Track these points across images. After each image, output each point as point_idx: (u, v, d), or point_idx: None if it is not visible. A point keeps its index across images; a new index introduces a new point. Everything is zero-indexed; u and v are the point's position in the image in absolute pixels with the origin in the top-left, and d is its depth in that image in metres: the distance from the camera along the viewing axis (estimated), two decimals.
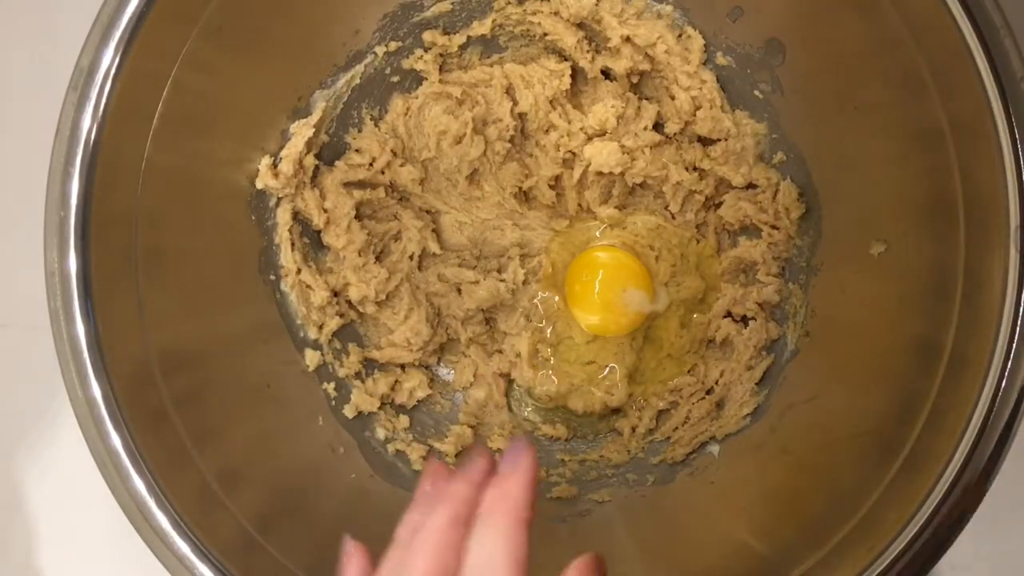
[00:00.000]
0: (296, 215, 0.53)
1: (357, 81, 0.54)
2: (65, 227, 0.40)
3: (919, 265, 0.43)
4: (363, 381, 0.55)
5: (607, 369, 0.57)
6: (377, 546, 0.45)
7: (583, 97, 0.57)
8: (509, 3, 0.54)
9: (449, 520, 0.29)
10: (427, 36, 0.54)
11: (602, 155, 0.55)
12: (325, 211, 0.53)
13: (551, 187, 0.57)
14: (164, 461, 0.41)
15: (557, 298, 0.58)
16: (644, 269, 0.56)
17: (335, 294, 0.54)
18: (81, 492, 0.54)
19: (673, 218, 0.57)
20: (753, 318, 0.54)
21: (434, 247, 0.57)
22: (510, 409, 0.58)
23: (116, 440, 0.40)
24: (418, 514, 0.30)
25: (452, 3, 0.53)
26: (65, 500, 0.57)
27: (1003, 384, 0.38)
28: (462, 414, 0.57)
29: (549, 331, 0.58)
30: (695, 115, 0.55)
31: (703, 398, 0.55)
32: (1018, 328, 0.38)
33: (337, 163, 0.54)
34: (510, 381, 0.58)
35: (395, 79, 0.55)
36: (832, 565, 0.40)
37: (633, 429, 0.56)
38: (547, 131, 0.57)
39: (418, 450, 0.54)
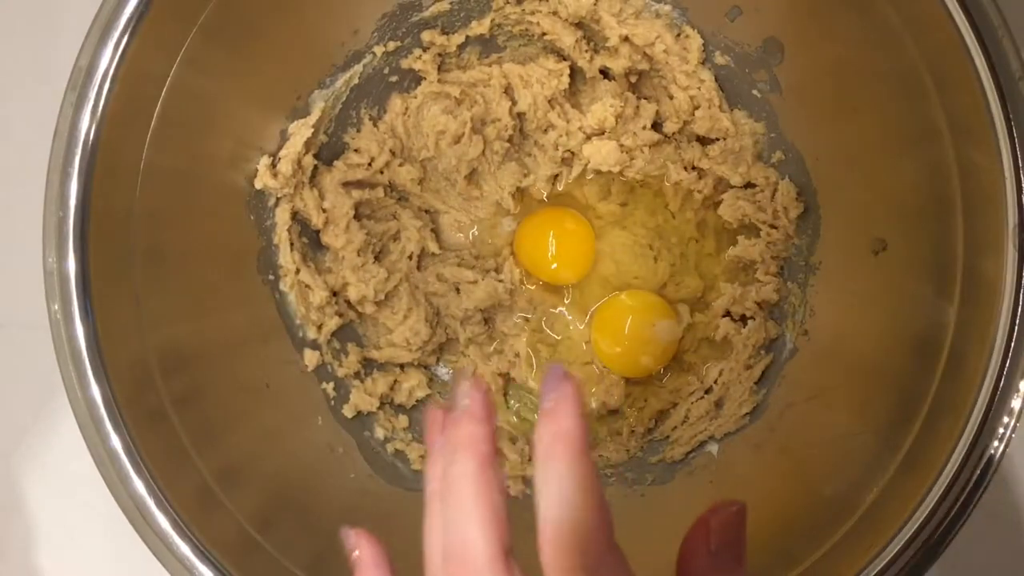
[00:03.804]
0: (295, 215, 0.53)
1: (356, 81, 0.54)
2: (64, 227, 0.40)
3: (917, 264, 0.43)
4: (362, 381, 0.55)
5: (605, 370, 0.57)
6: None
7: (582, 96, 0.57)
8: (508, 3, 0.53)
9: (478, 464, 0.29)
10: (426, 36, 0.54)
11: (601, 154, 0.55)
12: (324, 211, 0.53)
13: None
14: (163, 461, 0.41)
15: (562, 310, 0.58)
16: (658, 298, 0.56)
17: (334, 294, 0.54)
18: (80, 492, 0.54)
19: (673, 217, 0.57)
20: (752, 317, 0.54)
21: (433, 247, 0.57)
22: (508, 409, 0.58)
23: (115, 441, 0.40)
24: (440, 466, 0.30)
25: (451, 3, 0.53)
26: (64, 500, 0.56)
27: (1001, 383, 0.38)
28: None
29: (548, 331, 0.58)
30: (693, 114, 0.55)
31: (702, 397, 0.55)
32: (1016, 327, 0.38)
33: (336, 163, 0.54)
34: (509, 381, 0.58)
35: (394, 79, 0.55)
36: (831, 565, 0.40)
37: (632, 428, 0.56)
38: (546, 130, 0.57)
39: (417, 450, 0.54)
